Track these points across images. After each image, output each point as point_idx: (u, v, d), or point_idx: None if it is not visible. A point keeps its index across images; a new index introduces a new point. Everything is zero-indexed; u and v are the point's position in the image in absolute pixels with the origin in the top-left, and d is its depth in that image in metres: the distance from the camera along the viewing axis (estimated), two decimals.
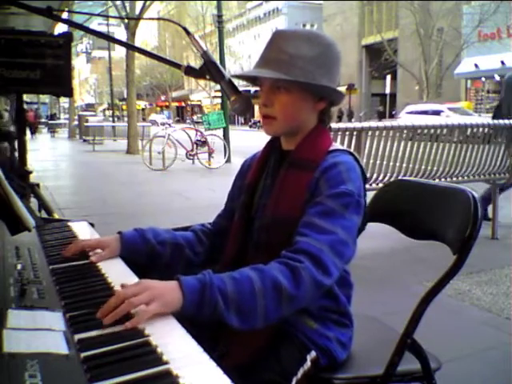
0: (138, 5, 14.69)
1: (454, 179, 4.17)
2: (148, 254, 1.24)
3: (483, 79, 25.44)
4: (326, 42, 1.14)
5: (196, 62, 1.35)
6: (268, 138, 1.28)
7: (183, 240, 1.30)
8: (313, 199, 1.09)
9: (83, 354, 0.68)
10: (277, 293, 0.95)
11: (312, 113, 1.17)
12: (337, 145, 1.20)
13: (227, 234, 1.29)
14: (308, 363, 1.13)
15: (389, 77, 28.56)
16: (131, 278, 1.03)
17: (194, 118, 27.10)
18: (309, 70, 1.10)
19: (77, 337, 0.74)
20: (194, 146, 10.73)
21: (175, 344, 0.74)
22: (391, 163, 3.88)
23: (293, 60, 1.09)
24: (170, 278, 0.93)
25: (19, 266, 0.99)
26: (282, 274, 0.97)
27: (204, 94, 42.61)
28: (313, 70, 1.10)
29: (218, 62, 1.23)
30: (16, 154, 3.41)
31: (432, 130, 4.06)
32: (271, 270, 0.97)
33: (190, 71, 1.26)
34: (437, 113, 17.08)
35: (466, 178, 4.25)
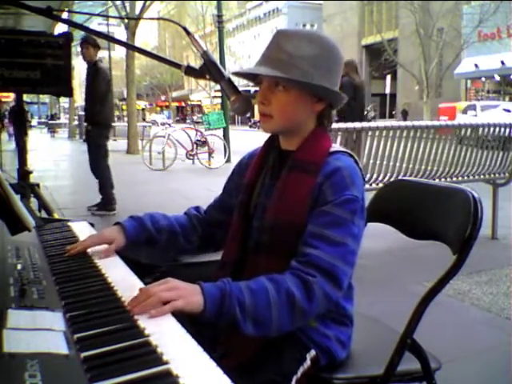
0: (138, 5, 14.68)
1: (454, 179, 4.17)
2: (146, 240, 1.29)
3: (483, 79, 25.44)
4: (327, 43, 1.14)
5: (196, 62, 1.35)
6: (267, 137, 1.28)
7: (179, 227, 1.33)
8: (317, 206, 1.09)
9: (83, 354, 0.68)
10: (290, 305, 0.98)
11: (310, 114, 1.17)
12: (336, 146, 1.20)
13: (219, 226, 1.33)
14: (308, 362, 1.13)
15: (389, 77, 28.56)
16: (131, 278, 1.03)
17: (194, 117, 27.09)
18: (308, 70, 1.09)
19: (77, 337, 0.74)
20: (194, 145, 10.73)
21: (175, 344, 0.74)
22: (391, 163, 3.88)
23: (292, 59, 1.09)
24: (183, 280, 0.95)
25: (19, 266, 0.99)
26: (295, 287, 1.00)
27: (204, 93, 42.61)
28: (312, 70, 1.10)
29: (218, 61, 1.23)
30: None
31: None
32: (286, 282, 1.00)
33: (190, 71, 1.26)
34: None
35: (465, 178, 4.25)
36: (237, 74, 1.24)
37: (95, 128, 5.30)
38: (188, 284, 0.94)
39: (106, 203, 5.48)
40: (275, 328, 0.98)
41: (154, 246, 1.30)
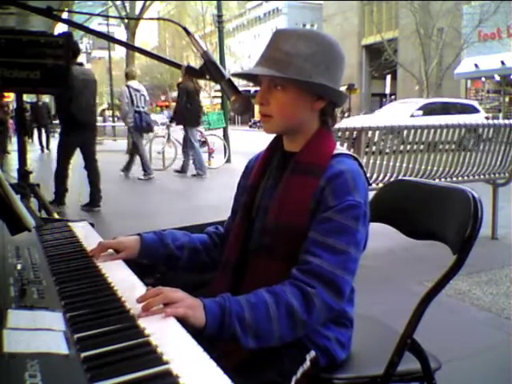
0: (138, 5, 14.71)
1: (454, 179, 4.17)
2: (166, 257, 1.26)
3: (483, 79, 25.42)
4: (326, 40, 1.13)
5: (196, 62, 1.35)
6: (268, 138, 1.28)
7: (200, 244, 1.31)
8: (319, 210, 1.08)
9: (83, 354, 0.68)
10: (290, 318, 0.99)
11: (311, 112, 1.15)
12: (341, 148, 1.19)
13: None
14: (307, 363, 1.12)
15: (389, 77, 28.52)
16: (132, 279, 1.03)
17: None
18: (305, 68, 1.08)
19: (77, 337, 0.74)
20: None
21: (175, 344, 0.74)
22: (391, 163, 3.88)
23: (289, 58, 1.08)
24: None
25: (19, 266, 0.99)
26: (295, 298, 0.99)
27: (204, 93, 42.60)
28: (309, 68, 1.08)
29: (218, 62, 1.23)
30: None
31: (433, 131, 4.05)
32: (285, 293, 1.00)
33: (190, 71, 1.26)
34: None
35: (465, 178, 4.25)
36: (236, 75, 1.23)
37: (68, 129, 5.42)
38: (194, 299, 0.94)
39: (98, 198, 5.69)
40: (276, 340, 0.99)
41: (176, 264, 1.28)
